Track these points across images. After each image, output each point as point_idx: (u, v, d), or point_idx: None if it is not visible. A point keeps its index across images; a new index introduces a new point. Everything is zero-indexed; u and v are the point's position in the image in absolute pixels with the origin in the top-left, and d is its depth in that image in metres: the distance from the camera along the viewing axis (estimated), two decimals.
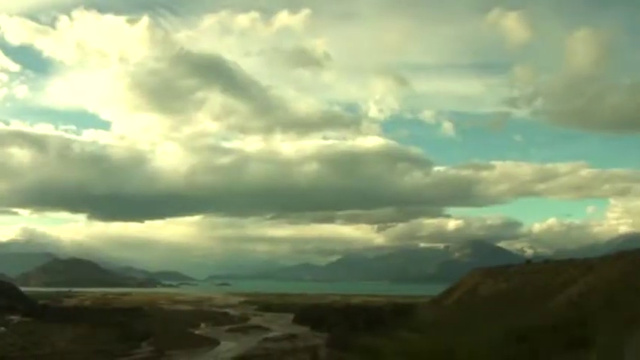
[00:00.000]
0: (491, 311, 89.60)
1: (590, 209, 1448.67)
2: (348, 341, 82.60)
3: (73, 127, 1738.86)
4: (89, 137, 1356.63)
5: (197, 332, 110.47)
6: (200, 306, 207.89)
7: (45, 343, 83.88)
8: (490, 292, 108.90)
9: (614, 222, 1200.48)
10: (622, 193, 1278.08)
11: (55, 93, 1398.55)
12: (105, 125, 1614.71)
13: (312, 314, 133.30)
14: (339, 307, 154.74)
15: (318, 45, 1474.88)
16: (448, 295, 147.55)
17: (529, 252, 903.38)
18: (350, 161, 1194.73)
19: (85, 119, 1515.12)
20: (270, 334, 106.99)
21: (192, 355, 77.50)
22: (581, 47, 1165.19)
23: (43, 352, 75.88)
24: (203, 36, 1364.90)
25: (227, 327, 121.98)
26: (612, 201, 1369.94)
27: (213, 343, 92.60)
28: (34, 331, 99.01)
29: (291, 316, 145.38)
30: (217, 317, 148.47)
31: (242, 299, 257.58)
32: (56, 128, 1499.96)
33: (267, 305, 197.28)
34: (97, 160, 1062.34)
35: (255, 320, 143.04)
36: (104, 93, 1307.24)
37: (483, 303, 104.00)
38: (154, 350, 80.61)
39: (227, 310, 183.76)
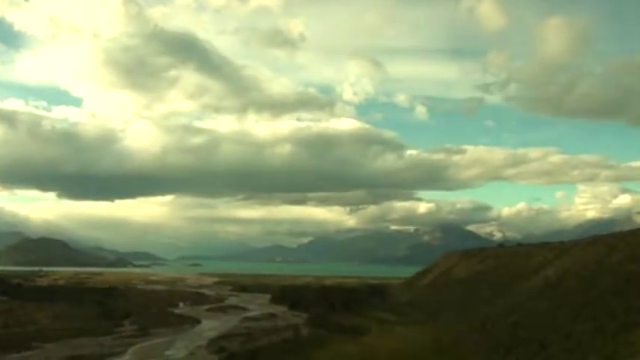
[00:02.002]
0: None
1: (559, 194, 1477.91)
2: (327, 320, 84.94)
3: (44, 104, 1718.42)
4: (60, 114, 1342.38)
5: (177, 311, 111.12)
6: (174, 286, 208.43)
7: (27, 322, 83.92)
8: (465, 274, 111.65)
9: (582, 207, 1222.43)
10: (590, 179, 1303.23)
11: (26, 68, 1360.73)
12: (76, 102, 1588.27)
13: (290, 294, 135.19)
14: (316, 288, 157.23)
15: (294, 25, 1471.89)
16: (422, 277, 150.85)
17: (498, 236, 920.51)
18: (323, 143, 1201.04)
19: (57, 95, 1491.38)
20: (250, 314, 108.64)
21: (176, 333, 78.31)
22: (554, 35, 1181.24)
23: (27, 330, 76.05)
24: (177, 13, 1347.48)
25: (205, 307, 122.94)
26: (580, 187, 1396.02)
27: (195, 321, 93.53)
28: (12, 309, 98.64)
29: (266, 297, 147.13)
30: (194, 297, 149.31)
31: (215, 280, 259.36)
32: (26, 104, 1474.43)
33: (242, 286, 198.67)
34: (68, 137, 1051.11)
35: (232, 300, 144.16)
36: (76, 69, 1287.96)
37: (458, 285, 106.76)
38: (138, 329, 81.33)
39: (202, 290, 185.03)
